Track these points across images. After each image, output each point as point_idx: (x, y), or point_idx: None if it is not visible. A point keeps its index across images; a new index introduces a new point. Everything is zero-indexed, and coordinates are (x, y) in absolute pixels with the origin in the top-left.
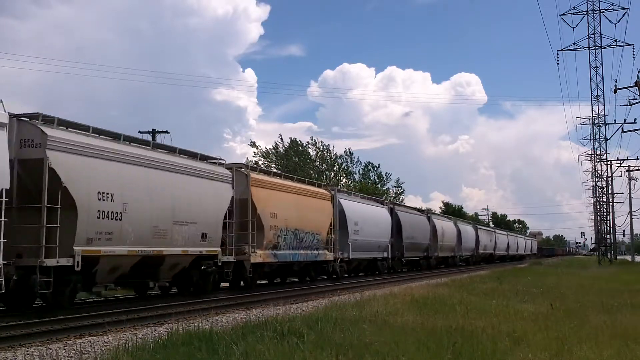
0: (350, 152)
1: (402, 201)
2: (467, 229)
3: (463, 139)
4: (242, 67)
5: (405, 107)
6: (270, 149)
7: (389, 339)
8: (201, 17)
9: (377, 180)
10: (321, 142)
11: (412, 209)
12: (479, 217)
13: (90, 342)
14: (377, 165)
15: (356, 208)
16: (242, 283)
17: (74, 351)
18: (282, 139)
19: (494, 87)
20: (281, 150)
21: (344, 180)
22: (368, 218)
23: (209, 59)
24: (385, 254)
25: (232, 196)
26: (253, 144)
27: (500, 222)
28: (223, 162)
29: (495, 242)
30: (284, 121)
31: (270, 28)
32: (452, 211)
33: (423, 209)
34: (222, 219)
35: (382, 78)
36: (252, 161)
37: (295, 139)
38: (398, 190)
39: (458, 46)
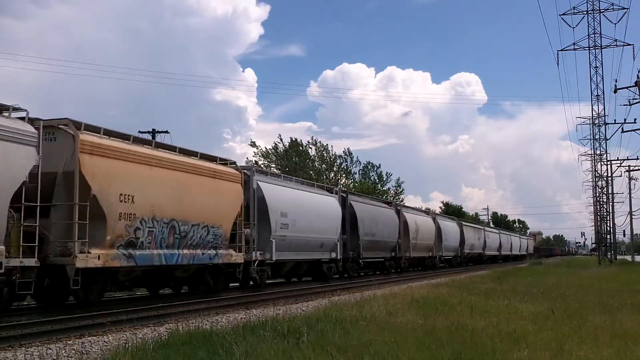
0: (349, 152)
1: (402, 201)
2: (449, 226)
3: (463, 139)
4: (242, 67)
5: (405, 107)
6: (270, 149)
7: (389, 339)
8: (201, 17)
9: (377, 180)
10: (320, 142)
11: (376, 200)
12: (479, 217)
13: (90, 342)
14: (378, 165)
15: (285, 195)
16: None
17: (74, 351)
18: (281, 139)
19: (494, 87)
20: (281, 150)
21: (344, 180)
22: (304, 208)
23: (209, 59)
24: (333, 255)
25: (34, 165)
26: (253, 144)
27: (501, 222)
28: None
29: (485, 241)
30: (283, 121)
31: (270, 28)
32: (452, 211)
33: (391, 200)
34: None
35: (382, 78)
36: (252, 161)
37: (296, 139)
38: (398, 190)
39: (458, 46)
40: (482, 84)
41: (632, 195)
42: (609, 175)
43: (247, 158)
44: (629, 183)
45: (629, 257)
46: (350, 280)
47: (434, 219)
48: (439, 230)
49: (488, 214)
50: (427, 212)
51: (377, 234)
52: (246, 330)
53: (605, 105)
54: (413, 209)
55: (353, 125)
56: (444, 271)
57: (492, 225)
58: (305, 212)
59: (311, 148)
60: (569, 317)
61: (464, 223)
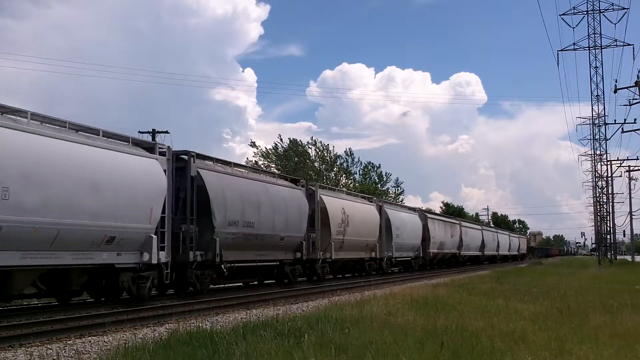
0: (350, 152)
1: (402, 201)
2: (405, 219)
3: (463, 139)
4: (242, 66)
5: (405, 107)
6: (270, 149)
7: (389, 339)
8: (201, 17)
9: (377, 180)
10: (321, 142)
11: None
12: (480, 217)
13: (90, 342)
14: (378, 165)
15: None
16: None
17: (74, 351)
18: (281, 139)
19: (494, 87)
20: (280, 150)
21: (344, 180)
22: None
23: (209, 59)
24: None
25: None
26: (253, 144)
27: (501, 222)
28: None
29: (461, 239)
30: (283, 121)
31: (269, 28)
32: (453, 212)
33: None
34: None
35: (382, 78)
36: (252, 161)
37: (295, 139)
38: (398, 190)
39: (458, 46)
40: (482, 84)
41: (632, 195)
42: (609, 175)
43: (247, 158)
44: (629, 183)
45: (629, 257)
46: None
47: (381, 210)
48: (388, 224)
49: (488, 214)
50: (364, 196)
51: (256, 220)
52: (246, 330)
53: (605, 106)
54: (332, 191)
55: (353, 125)
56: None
57: (490, 224)
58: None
59: (311, 148)
60: (570, 317)
61: (430, 216)
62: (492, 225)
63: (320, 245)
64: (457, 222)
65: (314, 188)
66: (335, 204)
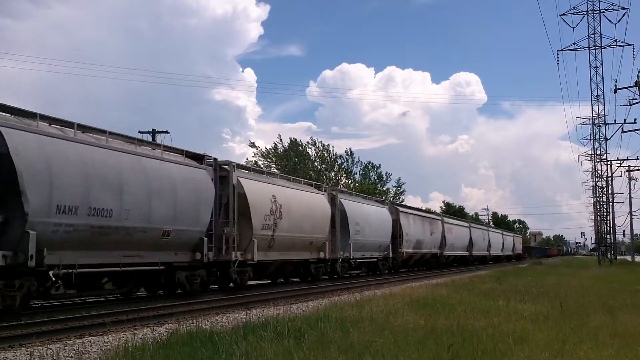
0: (351, 152)
1: (402, 201)
2: (368, 212)
3: (463, 139)
4: (242, 66)
5: (405, 107)
6: (269, 149)
7: (389, 339)
8: (201, 17)
9: (377, 180)
10: (321, 142)
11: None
12: (480, 217)
13: (90, 342)
14: (378, 165)
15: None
16: None
17: (74, 351)
18: (281, 139)
19: (494, 87)
20: (280, 150)
21: (344, 180)
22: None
23: (209, 59)
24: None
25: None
26: (252, 144)
27: (501, 222)
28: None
29: (444, 237)
30: (283, 121)
31: (269, 28)
32: (454, 212)
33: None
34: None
35: (382, 78)
36: (251, 161)
37: (295, 139)
38: (398, 190)
39: (458, 46)
40: (482, 84)
41: (632, 195)
42: (609, 175)
43: (246, 158)
44: (629, 183)
45: (629, 257)
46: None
47: (334, 198)
48: (343, 217)
49: (488, 214)
50: (320, 186)
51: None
52: (246, 330)
53: (605, 106)
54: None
55: (352, 125)
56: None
57: (490, 224)
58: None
59: (311, 148)
60: (570, 317)
61: (402, 210)
62: (484, 223)
63: (239, 243)
64: (439, 217)
65: (228, 168)
66: (260, 189)
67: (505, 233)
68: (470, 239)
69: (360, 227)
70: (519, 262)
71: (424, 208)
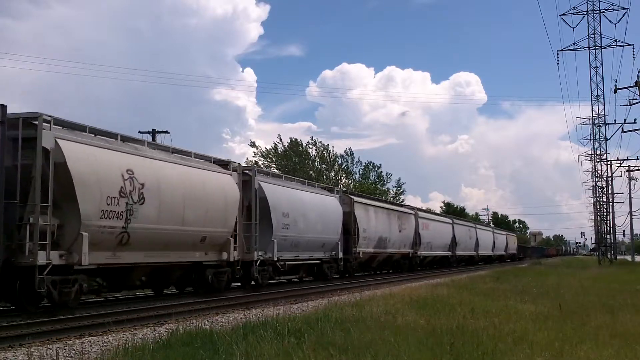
0: (351, 152)
1: (402, 201)
2: (301, 200)
3: (462, 139)
4: (242, 66)
5: (404, 107)
6: (269, 149)
7: (389, 339)
8: (201, 17)
9: (377, 180)
10: (321, 142)
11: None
12: (480, 217)
13: (90, 342)
14: (379, 166)
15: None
16: None
17: (74, 351)
18: (281, 139)
19: (494, 87)
20: (280, 150)
21: (344, 180)
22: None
23: (209, 59)
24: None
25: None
26: (253, 144)
27: (501, 222)
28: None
29: (418, 235)
30: (283, 121)
31: (269, 28)
32: (454, 211)
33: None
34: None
35: (381, 78)
36: (252, 161)
37: (295, 139)
38: (398, 190)
39: (458, 46)
40: (482, 84)
41: (632, 195)
42: (609, 175)
43: (247, 158)
44: (629, 183)
45: (629, 257)
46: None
47: (249, 181)
48: (265, 204)
49: (488, 214)
50: (226, 164)
51: None
52: (246, 330)
53: (605, 106)
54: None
55: (352, 125)
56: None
57: (491, 224)
58: (307, 212)
59: (311, 148)
60: (570, 317)
61: (358, 200)
62: (484, 222)
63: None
64: (412, 211)
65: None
66: (280, 192)
67: (497, 231)
68: (454, 237)
69: (289, 220)
70: (518, 263)
71: (424, 208)
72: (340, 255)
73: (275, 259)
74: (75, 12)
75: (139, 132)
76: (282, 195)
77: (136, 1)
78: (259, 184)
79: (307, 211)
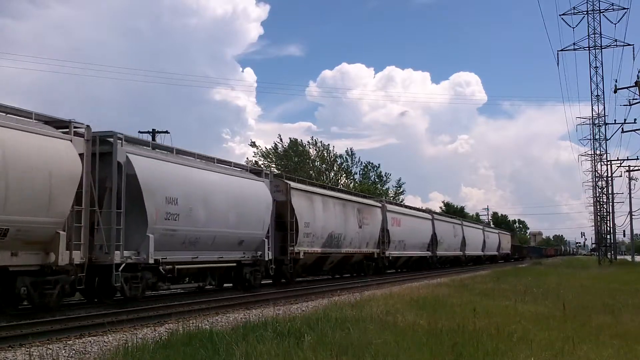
0: (351, 152)
1: (402, 201)
2: (216, 183)
3: (462, 139)
4: (242, 66)
5: (404, 107)
6: (270, 149)
7: (389, 339)
8: (200, 17)
9: (377, 180)
10: (321, 142)
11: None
12: (480, 217)
13: (90, 342)
14: (378, 165)
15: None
16: None
17: (74, 351)
18: (281, 139)
19: (494, 87)
20: (280, 150)
21: (344, 180)
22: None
23: (209, 59)
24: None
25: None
26: (253, 144)
27: (501, 222)
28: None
29: (386, 233)
30: (283, 121)
31: (269, 28)
32: (454, 212)
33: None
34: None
35: (381, 78)
36: (252, 161)
37: (296, 139)
38: (398, 190)
39: (458, 46)
40: (482, 84)
41: (632, 195)
42: (609, 175)
43: (247, 158)
44: (629, 183)
45: (629, 257)
46: None
47: (108, 152)
48: (134, 185)
49: (488, 214)
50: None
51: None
52: (246, 330)
53: (605, 106)
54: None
55: (352, 125)
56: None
57: (491, 224)
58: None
59: (311, 148)
60: (571, 317)
61: (296, 186)
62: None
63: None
64: (377, 204)
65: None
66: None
67: (488, 229)
68: (434, 234)
69: (181, 208)
70: (518, 263)
71: (400, 202)
72: (270, 256)
73: (152, 261)
74: (75, 12)
75: (139, 132)
76: (167, 174)
77: (136, 1)
78: (127, 157)
79: (211, 197)
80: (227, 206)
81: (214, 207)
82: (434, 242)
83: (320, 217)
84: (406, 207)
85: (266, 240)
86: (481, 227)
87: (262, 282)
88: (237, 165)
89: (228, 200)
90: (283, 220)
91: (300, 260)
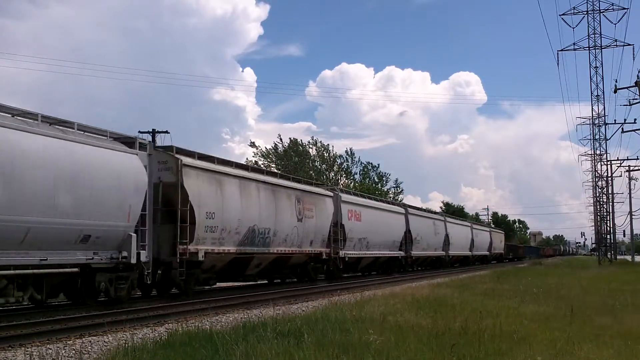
0: (351, 152)
1: (401, 201)
2: (62, 156)
3: (462, 139)
4: (241, 66)
5: (404, 107)
6: (269, 149)
7: (389, 339)
8: (200, 17)
9: (377, 180)
10: (321, 142)
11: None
12: (480, 217)
13: (90, 342)
14: (377, 165)
15: None
16: None
17: (74, 351)
18: (281, 139)
19: (494, 87)
20: (280, 150)
21: (344, 180)
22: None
23: (208, 59)
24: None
25: None
26: (253, 144)
27: (501, 222)
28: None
29: (342, 228)
30: (283, 121)
31: (269, 28)
32: (454, 212)
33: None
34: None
35: (381, 78)
36: (252, 161)
37: (296, 139)
38: (397, 190)
39: (457, 46)
40: (482, 84)
41: (632, 195)
42: (609, 175)
43: (246, 158)
44: (629, 183)
45: (629, 257)
46: None
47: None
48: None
49: (488, 214)
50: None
51: None
52: (246, 330)
53: (605, 106)
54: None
55: (352, 125)
56: None
57: (491, 224)
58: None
59: (312, 148)
60: (572, 317)
61: (187, 164)
62: (432, 211)
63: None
64: (329, 193)
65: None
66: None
67: (477, 226)
68: (408, 231)
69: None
70: (517, 263)
71: (423, 207)
72: (145, 257)
73: None
74: (75, 12)
75: (139, 131)
76: None
77: (136, 1)
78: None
79: (19, 171)
80: (54, 184)
81: (24, 185)
82: (407, 240)
83: (235, 206)
84: (371, 198)
85: (134, 235)
86: (469, 224)
87: (133, 295)
88: (86, 127)
89: (56, 176)
90: (170, 208)
91: (202, 263)
